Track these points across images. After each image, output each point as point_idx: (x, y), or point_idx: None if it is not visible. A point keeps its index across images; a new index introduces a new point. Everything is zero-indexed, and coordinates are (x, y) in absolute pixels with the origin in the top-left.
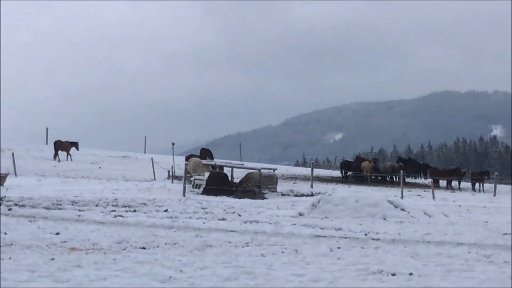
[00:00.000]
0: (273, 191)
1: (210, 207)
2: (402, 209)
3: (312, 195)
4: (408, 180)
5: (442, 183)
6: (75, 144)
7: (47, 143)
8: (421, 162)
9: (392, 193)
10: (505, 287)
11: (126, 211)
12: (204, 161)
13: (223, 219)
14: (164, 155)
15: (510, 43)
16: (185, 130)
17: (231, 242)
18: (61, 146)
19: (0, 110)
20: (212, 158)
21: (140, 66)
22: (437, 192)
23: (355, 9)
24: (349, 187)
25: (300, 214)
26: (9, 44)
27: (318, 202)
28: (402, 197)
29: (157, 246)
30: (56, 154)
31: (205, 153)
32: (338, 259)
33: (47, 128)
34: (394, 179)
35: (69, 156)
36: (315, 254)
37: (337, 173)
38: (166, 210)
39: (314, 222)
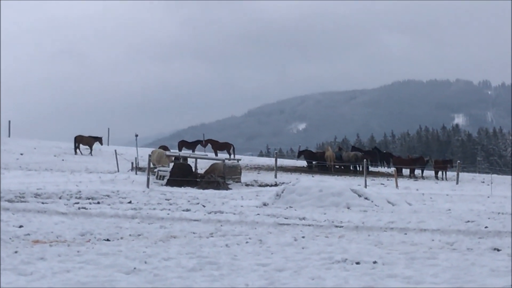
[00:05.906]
0: (237, 182)
1: (174, 198)
2: (366, 198)
3: (276, 185)
4: (371, 169)
5: (405, 171)
6: (99, 139)
7: (9, 136)
8: (384, 151)
9: (355, 182)
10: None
11: (90, 203)
12: (167, 152)
13: (187, 210)
14: (127, 147)
15: (472, 32)
16: (148, 122)
17: (196, 233)
18: (82, 140)
19: None
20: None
21: (103, 57)
22: (400, 181)
23: None
24: (312, 176)
25: (264, 204)
26: None
27: (282, 192)
28: (365, 186)
29: (121, 238)
30: (76, 148)
31: (183, 145)
32: (303, 248)
33: (9, 121)
34: (358, 168)
35: (91, 150)
36: (280, 243)
37: (300, 163)
38: (130, 202)
39: (278, 212)
